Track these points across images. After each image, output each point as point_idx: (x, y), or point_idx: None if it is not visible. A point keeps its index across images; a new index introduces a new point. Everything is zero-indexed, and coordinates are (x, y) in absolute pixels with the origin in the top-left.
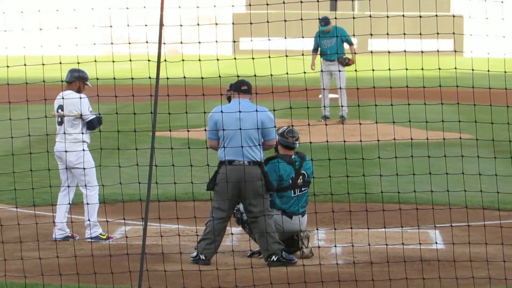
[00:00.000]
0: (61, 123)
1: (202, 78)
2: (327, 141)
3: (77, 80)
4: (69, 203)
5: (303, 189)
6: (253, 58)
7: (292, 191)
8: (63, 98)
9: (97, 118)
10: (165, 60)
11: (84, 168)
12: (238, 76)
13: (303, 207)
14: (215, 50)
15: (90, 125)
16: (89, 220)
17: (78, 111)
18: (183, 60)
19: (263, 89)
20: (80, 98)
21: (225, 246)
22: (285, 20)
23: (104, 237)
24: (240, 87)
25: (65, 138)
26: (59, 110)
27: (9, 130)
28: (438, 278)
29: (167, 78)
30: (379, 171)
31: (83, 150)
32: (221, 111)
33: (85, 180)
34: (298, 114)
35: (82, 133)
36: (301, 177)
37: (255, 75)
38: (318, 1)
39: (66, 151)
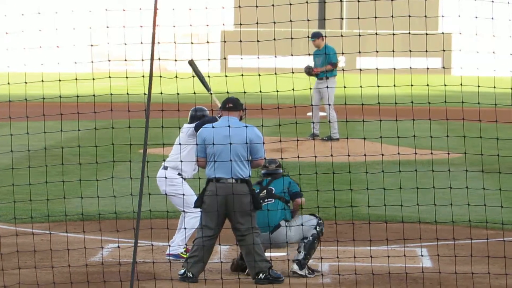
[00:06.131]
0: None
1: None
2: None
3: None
4: (184, 228)
5: (266, 200)
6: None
7: None
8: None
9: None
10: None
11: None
12: (228, 93)
13: (272, 223)
14: (206, 67)
15: None
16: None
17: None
18: (163, 76)
19: (251, 107)
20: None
21: (213, 264)
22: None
23: (185, 256)
24: (225, 105)
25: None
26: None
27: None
28: None
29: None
30: (366, 189)
31: (180, 178)
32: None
33: (179, 205)
34: (286, 132)
35: (181, 161)
36: (265, 191)
37: (245, 92)
38: (308, 20)
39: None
